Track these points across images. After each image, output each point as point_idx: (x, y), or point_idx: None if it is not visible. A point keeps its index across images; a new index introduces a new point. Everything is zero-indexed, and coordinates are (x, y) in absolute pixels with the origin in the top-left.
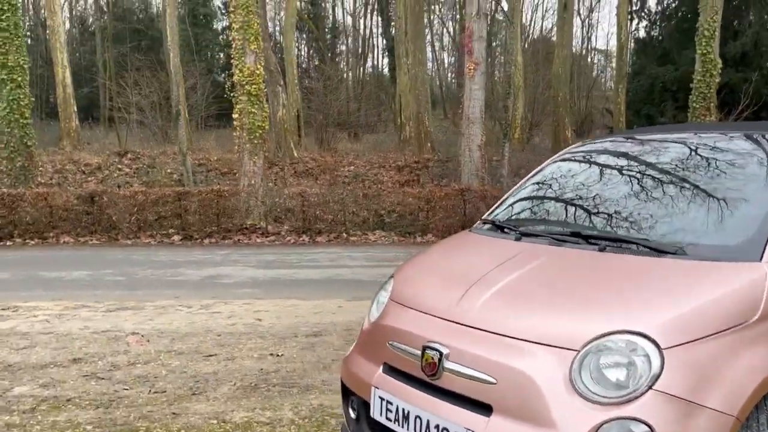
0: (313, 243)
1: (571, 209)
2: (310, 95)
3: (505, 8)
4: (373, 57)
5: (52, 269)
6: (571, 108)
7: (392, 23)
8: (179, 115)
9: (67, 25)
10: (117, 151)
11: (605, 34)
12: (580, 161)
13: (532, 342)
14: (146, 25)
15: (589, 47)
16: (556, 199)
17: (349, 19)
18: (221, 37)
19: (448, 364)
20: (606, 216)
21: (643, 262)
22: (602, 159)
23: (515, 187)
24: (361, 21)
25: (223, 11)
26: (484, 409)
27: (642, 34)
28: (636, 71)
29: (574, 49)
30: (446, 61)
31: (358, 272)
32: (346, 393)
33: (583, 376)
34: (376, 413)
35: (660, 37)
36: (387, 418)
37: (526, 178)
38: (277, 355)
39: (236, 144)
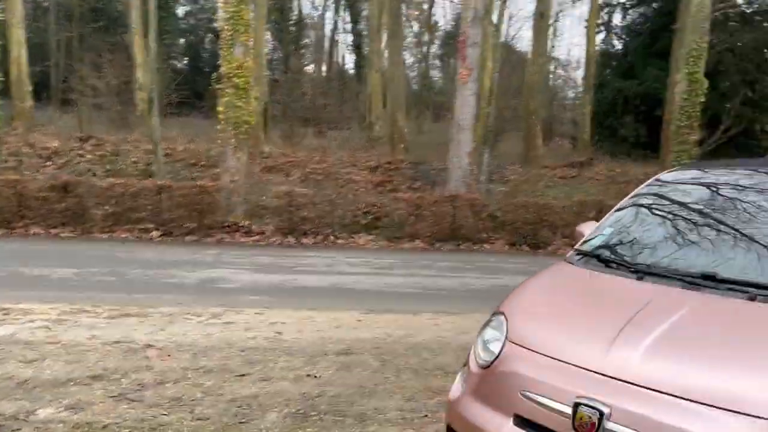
0: (300, 245)
1: (693, 246)
2: (276, 89)
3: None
4: (338, 53)
5: (32, 265)
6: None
7: (363, 20)
8: (153, 102)
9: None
10: (79, 135)
11: (566, 44)
12: (693, 188)
13: (723, 409)
14: (104, 3)
15: (552, 57)
16: (669, 233)
17: (315, 13)
18: (183, 22)
19: (610, 426)
20: (740, 257)
21: None
22: (712, 190)
23: (608, 213)
24: (328, 15)
25: None
26: None
27: (607, 47)
28: (601, 83)
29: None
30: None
31: (361, 281)
32: None
33: None
34: None
35: (624, 52)
36: None
37: (620, 204)
38: (315, 377)
39: (220, 138)
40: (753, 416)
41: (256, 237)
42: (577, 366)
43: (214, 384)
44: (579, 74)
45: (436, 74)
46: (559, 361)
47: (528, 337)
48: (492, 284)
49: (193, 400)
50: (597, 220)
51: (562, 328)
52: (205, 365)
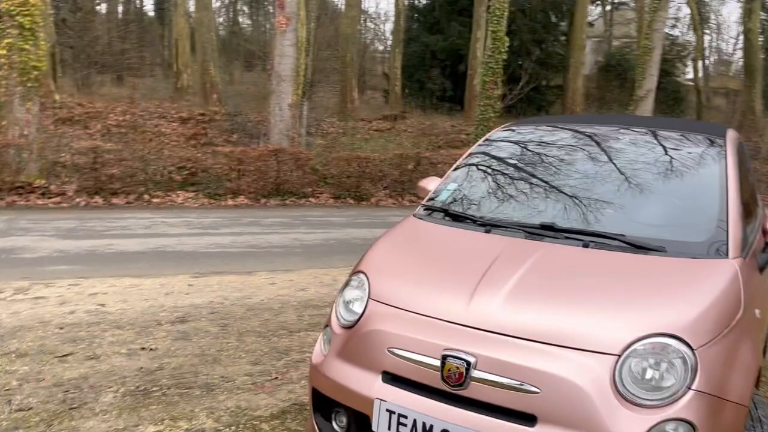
0: (110, 206)
1: (531, 200)
2: (65, 31)
3: None
4: None
5: None
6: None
7: None
8: None
9: None
10: None
11: None
12: (521, 146)
13: (574, 348)
14: None
15: (362, 10)
16: (508, 188)
17: None
18: None
19: (477, 374)
20: (572, 209)
21: (636, 259)
22: (547, 146)
23: (451, 170)
24: None
25: None
26: (527, 419)
27: (415, 1)
28: (410, 38)
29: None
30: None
31: (185, 242)
32: (324, 403)
33: (626, 380)
34: (381, 427)
35: (431, 6)
36: None
37: (458, 162)
38: (151, 349)
39: (3, 86)
40: (603, 353)
41: (57, 199)
42: (441, 320)
43: (31, 369)
44: (388, 27)
45: (245, 21)
46: (424, 316)
47: (391, 295)
48: (324, 238)
49: (8, 389)
50: (416, 172)
51: (423, 283)
52: (17, 348)
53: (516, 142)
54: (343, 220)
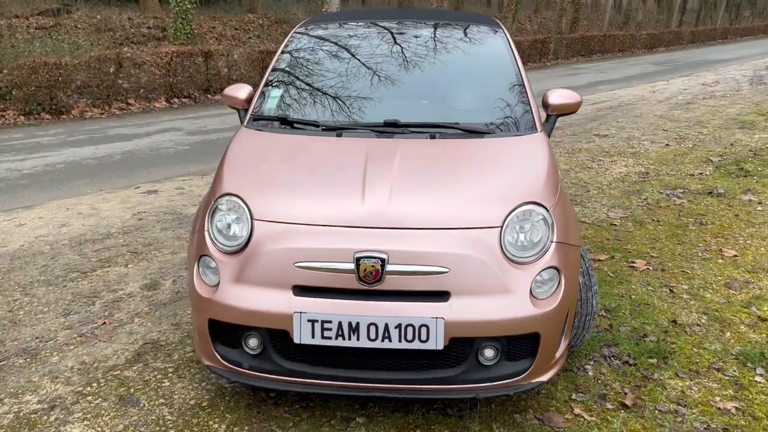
0: None
1: (365, 99)
2: None
3: None
4: None
5: None
6: None
7: None
8: None
9: None
10: None
11: None
12: (333, 46)
13: (467, 228)
14: None
15: None
16: (336, 89)
17: None
18: None
19: (391, 268)
20: (401, 105)
21: (477, 143)
22: (358, 45)
23: (266, 75)
24: None
25: None
26: (440, 296)
27: None
28: None
29: None
30: None
31: None
32: (226, 332)
33: (508, 245)
34: (305, 338)
35: None
36: (325, 337)
37: (273, 64)
38: None
39: None
40: (489, 227)
41: None
42: (342, 226)
43: None
44: None
45: None
46: (323, 226)
47: (278, 212)
48: (45, 163)
49: None
50: (119, 76)
51: (307, 195)
52: None
53: (326, 41)
54: (53, 140)
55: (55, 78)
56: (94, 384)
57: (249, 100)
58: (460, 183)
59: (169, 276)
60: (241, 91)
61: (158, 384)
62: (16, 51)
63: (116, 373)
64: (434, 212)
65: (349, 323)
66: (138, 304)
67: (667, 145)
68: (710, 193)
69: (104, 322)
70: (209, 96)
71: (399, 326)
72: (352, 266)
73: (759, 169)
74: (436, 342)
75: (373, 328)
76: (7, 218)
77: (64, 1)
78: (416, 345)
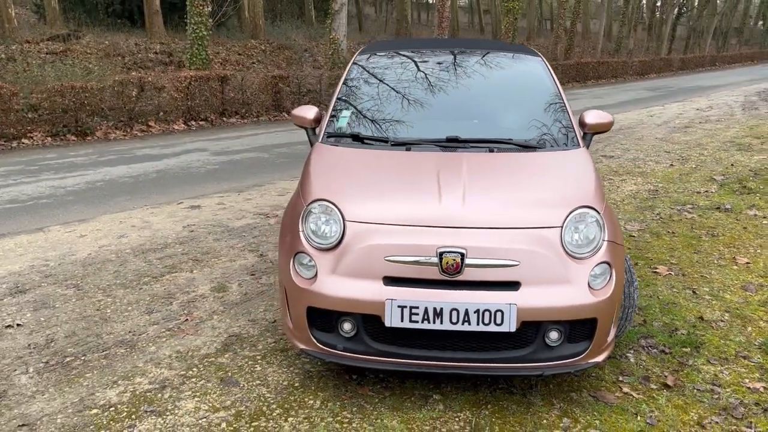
0: None
1: (423, 118)
2: None
3: None
4: None
5: None
6: None
7: None
8: None
9: None
10: None
11: None
12: (393, 70)
13: (532, 228)
14: None
15: None
16: (401, 109)
17: None
18: None
19: (469, 261)
20: (461, 122)
21: (530, 156)
22: (417, 69)
23: (334, 98)
24: None
25: None
26: (512, 286)
27: None
28: None
29: None
30: None
31: None
32: (322, 318)
33: (568, 242)
34: (394, 321)
35: None
36: (413, 321)
37: (339, 87)
38: (18, 325)
39: None
40: (551, 227)
41: None
42: (425, 226)
43: None
44: None
45: None
46: (409, 225)
47: (368, 214)
48: (87, 181)
49: None
50: (141, 100)
51: (392, 200)
52: None
53: (386, 67)
54: (86, 160)
55: (81, 101)
56: (194, 369)
57: (317, 119)
58: (522, 189)
59: (233, 280)
60: (309, 111)
61: (251, 368)
62: (30, 75)
63: (211, 359)
64: (503, 213)
65: (434, 308)
66: (212, 304)
67: (672, 165)
68: (718, 208)
69: (186, 319)
70: (224, 119)
71: (477, 311)
72: (436, 260)
73: (761, 187)
74: (510, 325)
75: (455, 313)
76: (67, 230)
77: (72, 27)
78: (492, 328)
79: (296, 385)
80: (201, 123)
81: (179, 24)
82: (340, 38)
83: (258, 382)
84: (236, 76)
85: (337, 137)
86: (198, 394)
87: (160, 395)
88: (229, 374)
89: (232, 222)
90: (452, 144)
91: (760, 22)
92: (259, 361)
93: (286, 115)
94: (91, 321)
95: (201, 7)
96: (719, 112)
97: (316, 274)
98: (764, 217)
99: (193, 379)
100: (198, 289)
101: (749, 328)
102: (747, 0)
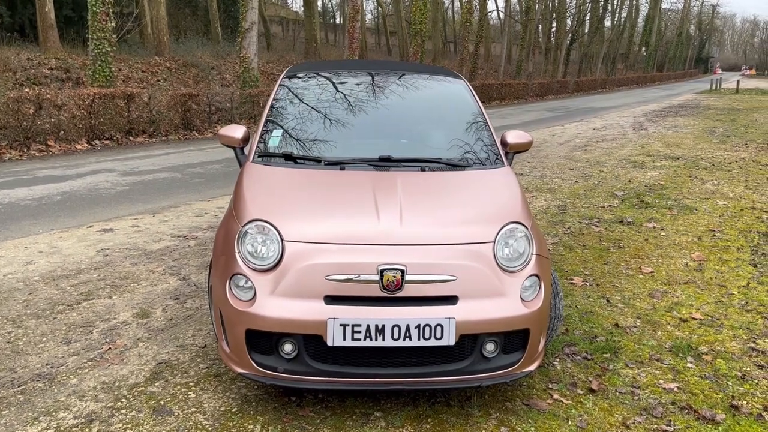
0: None
1: (354, 138)
2: None
3: None
4: None
5: None
6: None
7: None
8: None
9: None
10: None
11: None
12: (321, 91)
13: (467, 243)
14: None
15: None
16: (331, 129)
17: None
18: None
19: (409, 277)
20: (390, 142)
21: (462, 175)
22: (345, 90)
23: (263, 118)
24: None
25: None
26: (451, 300)
27: None
28: None
29: None
30: None
31: None
32: (261, 340)
33: (500, 257)
34: (337, 340)
35: None
36: (355, 339)
37: (268, 106)
38: None
39: None
40: (484, 243)
41: None
42: (364, 244)
43: None
44: None
45: None
46: (347, 244)
47: (305, 233)
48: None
49: None
50: (39, 117)
51: (328, 219)
52: None
53: (314, 87)
54: None
55: None
56: (123, 399)
57: (245, 139)
58: (455, 206)
59: (157, 305)
60: (237, 131)
61: (185, 396)
62: None
63: (141, 389)
64: (440, 230)
65: (376, 326)
66: (136, 331)
67: (576, 182)
68: (621, 221)
69: (109, 348)
70: (131, 138)
71: (418, 326)
72: (376, 277)
73: (656, 201)
74: (449, 339)
75: (396, 329)
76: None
77: None
78: (432, 342)
79: (234, 410)
80: (106, 142)
81: (76, 39)
82: (251, 56)
83: (193, 409)
84: (143, 94)
85: (268, 157)
86: (130, 425)
87: (87, 429)
88: (162, 403)
89: (150, 245)
90: (385, 163)
91: (644, 49)
92: (192, 388)
93: (196, 134)
94: (2, 354)
95: (104, 22)
96: (613, 132)
97: (254, 296)
98: (662, 229)
99: (123, 411)
100: (119, 315)
101: (659, 333)
102: (632, 28)
